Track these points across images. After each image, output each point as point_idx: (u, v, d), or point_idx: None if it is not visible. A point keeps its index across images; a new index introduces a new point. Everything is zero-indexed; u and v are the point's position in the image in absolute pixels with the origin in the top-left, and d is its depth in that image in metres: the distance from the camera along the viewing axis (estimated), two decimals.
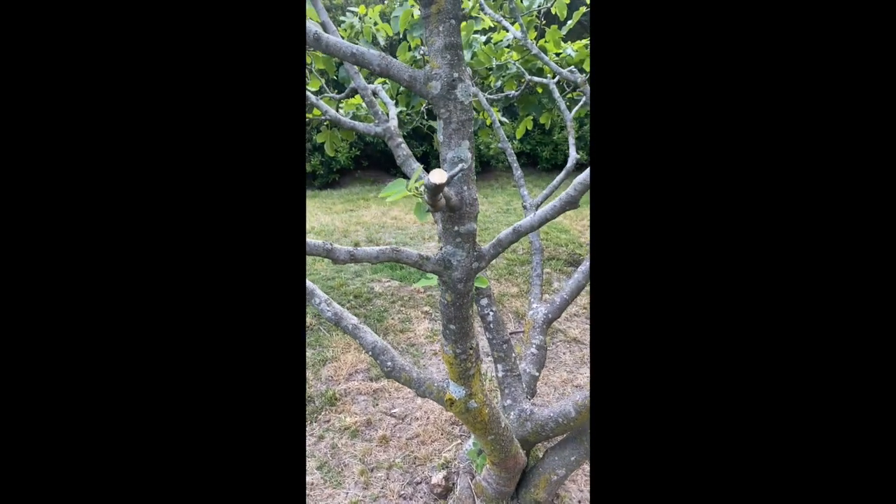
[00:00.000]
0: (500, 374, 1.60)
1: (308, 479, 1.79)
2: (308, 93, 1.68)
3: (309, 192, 7.63)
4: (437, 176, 0.67)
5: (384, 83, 2.16)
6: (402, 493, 1.70)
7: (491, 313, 1.59)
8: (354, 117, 2.18)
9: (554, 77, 2.42)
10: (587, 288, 2.92)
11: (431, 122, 2.35)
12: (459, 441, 1.97)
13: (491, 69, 2.38)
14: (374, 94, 1.65)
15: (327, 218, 5.37)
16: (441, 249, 0.93)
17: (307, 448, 1.94)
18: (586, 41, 2.52)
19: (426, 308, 2.97)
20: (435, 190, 0.68)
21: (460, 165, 0.74)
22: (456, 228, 0.90)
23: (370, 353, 1.12)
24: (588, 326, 2.88)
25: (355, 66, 1.49)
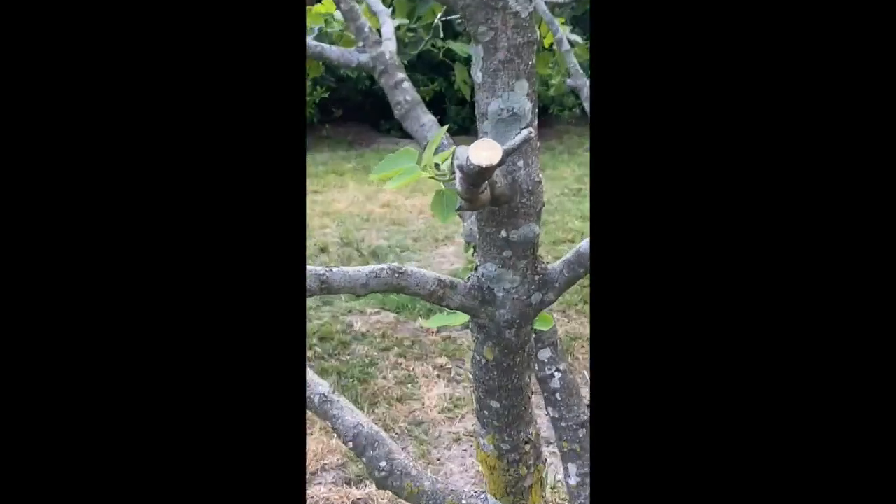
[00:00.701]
0: (571, 481, 1.56)
1: None
2: None
3: None
4: (485, 152, 0.66)
5: None
6: None
7: (557, 374, 1.55)
8: (321, 37, 2.15)
9: None
10: None
11: (451, 44, 2.32)
12: None
13: None
14: None
15: None
16: (476, 269, 0.93)
17: None
18: None
19: (441, 360, 2.96)
20: (479, 176, 0.68)
21: (524, 132, 0.72)
22: (503, 234, 0.89)
23: (350, 444, 1.08)
24: None
25: None
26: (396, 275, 0.87)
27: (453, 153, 0.75)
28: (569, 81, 1.99)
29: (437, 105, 8.10)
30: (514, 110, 0.84)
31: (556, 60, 2.49)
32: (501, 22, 0.83)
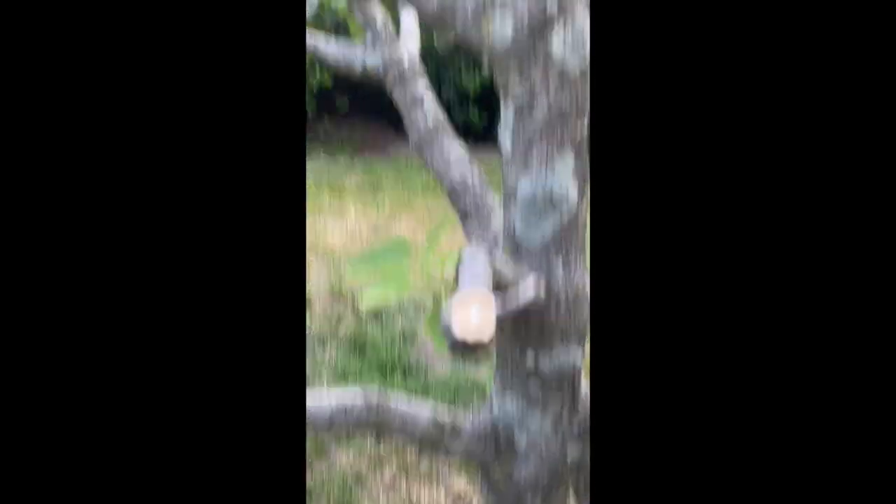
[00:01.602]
0: None
1: None
2: None
3: None
4: (474, 320, 0.59)
5: None
6: None
7: None
8: (317, 21, 1.89)
9: None
10: None
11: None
12: None
13: None
14: None
15: None
16: (490, 404, 0.84)
17: None
18: None
19: (460, 484, 2.36)
20: (466, 351, 0.60)
21: (529, 287, 0.70)
22: (531, 361, 0.79)
23: None
24: None
25: None
26: (374, 409, 0.78)
27: (459, 260, 0.67)
28: None
29: (486, 102, 6.23)
30: (553, 194, 0.74)
31: None
32: (541, 76, 0.72)
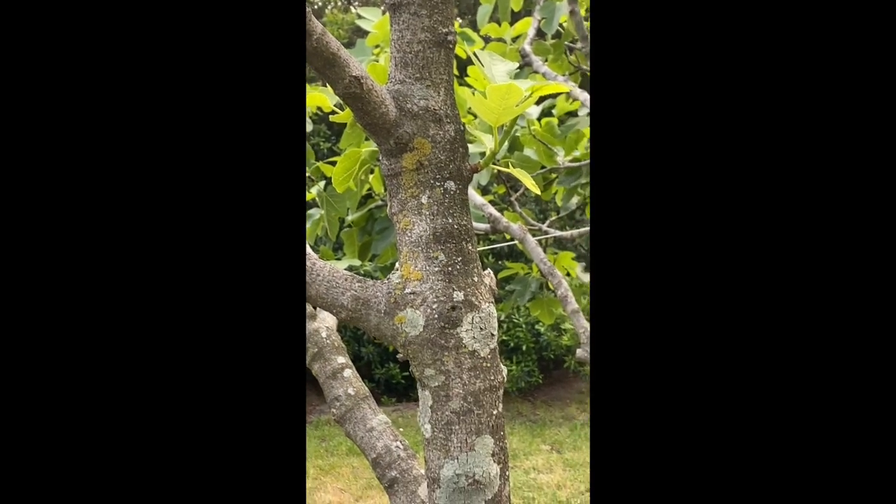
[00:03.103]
0: None
1: None
2: None
3: None
4: None
5: None
6: None
7: None
8: None
9: None
10: None
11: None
12: None
13: (554, 170, 2.09)
14: None
15: None
16: None
17: None
18: None
19: None
20: None
21: None
22: None
23: None
24: None
25: None
26: None
27: None
28: (579, 353, 1.70)
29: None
30: (476, 477, 0.75)
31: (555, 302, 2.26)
32: (454, 363, 0.74)
